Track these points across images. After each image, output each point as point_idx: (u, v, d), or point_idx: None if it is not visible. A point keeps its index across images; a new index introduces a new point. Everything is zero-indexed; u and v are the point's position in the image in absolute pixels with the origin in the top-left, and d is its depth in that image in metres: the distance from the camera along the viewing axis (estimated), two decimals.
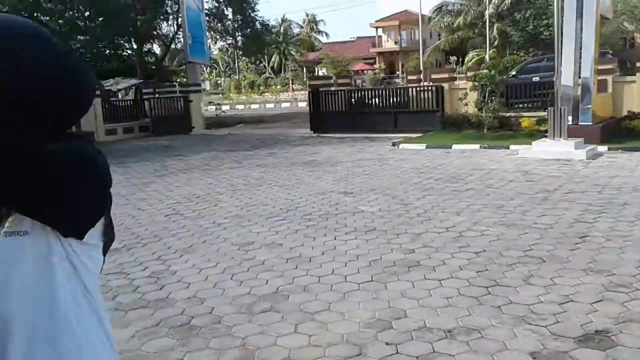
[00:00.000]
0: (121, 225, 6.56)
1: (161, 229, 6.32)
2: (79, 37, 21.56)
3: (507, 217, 6.01)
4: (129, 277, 4.77)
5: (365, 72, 40.38)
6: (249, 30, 24.63)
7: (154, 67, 24.48)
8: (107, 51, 23.59)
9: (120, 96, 24.81)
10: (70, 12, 20.24)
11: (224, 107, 34.43)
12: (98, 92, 19.61)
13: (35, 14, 19.67)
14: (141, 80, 22.07)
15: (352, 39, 55.26)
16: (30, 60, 1.07)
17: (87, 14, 20.16)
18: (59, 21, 20.46)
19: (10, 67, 1.05)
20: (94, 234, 1.19)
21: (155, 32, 22.97)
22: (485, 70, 13.65)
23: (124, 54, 23.59)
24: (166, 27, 24.74)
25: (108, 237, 1.30)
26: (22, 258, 1.11)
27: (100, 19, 19.73)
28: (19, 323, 1.11)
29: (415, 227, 5.76)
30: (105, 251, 1.33)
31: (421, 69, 28.03)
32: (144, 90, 21.50)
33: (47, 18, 20.34)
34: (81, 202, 1.12)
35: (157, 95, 20.32)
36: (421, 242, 5.24)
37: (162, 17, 22.45)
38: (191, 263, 5.03)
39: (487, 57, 31.63)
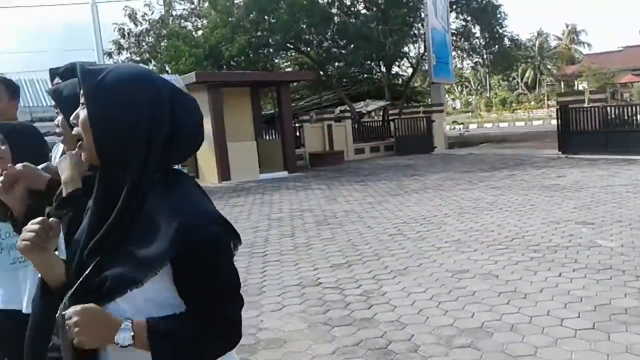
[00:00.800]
0: (348, 242, 6.93)
1: (383, 248, 6.50)
2: (335, 63, 23.38)
3: None
4: (343, 293, 5.01)
5: (632, 84, 35.78)
6: (497, 47, 23.85)
7: (400, 88, 25.29)
8: (360, 75, 25.15)
9: (369, 117, 26.26)
10: (327, 42, 22.08)
11: (471, 126, 33.90)
12: (343, 114, 21.06)
13: (298, 44, 22.00)
14: (388, 102, 23.03)
15: (619, 49, 49.50)
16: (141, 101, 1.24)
17: (340, 42, 21.74)
18: (318, 50, 22.50)
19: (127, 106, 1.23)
20: None
21: (402, 54, 23.73)
22: None
23: (374, 76, 24.85)
24: (414, 49, 25.39)
25: None
26: None
27: (352, 45, 21.11)
28: None
29: None
30: None
31: None
32: (390, 112, 22.38)
33: (308, 48, 22.57)
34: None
35: (402, 116, 20.96)
36: None
37: (409, 39, 23.12)
38: (402, 286, 5.06)
39: None
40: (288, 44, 22.10)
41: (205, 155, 15.44)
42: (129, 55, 24.70)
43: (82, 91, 1.25)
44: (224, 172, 14.63)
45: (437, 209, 8.73)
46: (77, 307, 1.16)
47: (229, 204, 10.88)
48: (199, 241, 1.19)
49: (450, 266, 5.56)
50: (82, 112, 1.26)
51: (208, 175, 15.29)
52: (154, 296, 1.22)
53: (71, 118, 1.34)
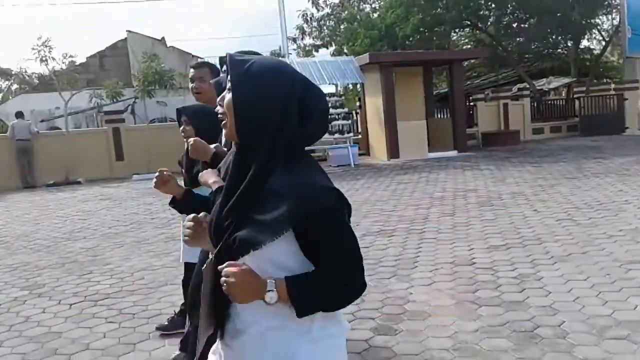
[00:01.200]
0: (510, 224, 6.73)
1: (547, 233, 6.20)
2: (516, 39, 22.11)
3: None
4: (496, 274, 4.93)
5: None
6: None
7: (590, 63, 23.15)
8: (545, 50, 23.47)
9: (553, 95, 24.47)
10: (507, 17, 20.94)
11: None
12: (521, 92, 19.88)
13: (475, 21, 21.19)
14: (574, 79, 21.25)
15: None
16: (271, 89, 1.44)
17: (521, 16, 20.49)
18: (497, 26, 21.46)
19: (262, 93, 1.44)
20: None
21: (592, 26, 21.61)
22: None
23: (558, 51, 23.04)
24: (607, 21, 22.98)
25: None
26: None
27: (533, 19, 19.79)
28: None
29: None
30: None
31: None
32: (575, 89, 20.65)
33: (488, 23, 21.62)
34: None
35: (589, 94, 19.24)
36: None
37: (601, 9, 20.97)
38: (561, 272, 4.83)
39: None
40: (464, 21, 21.41)
41: (376, 134, 15.78)
42: (311, 40, 25.76)
43: (229, 77, 1.49)
44: (393, 150, 14.83)
45: (617, 194, 8.01)
46: (234, 268, 1.39)
47: (394, 181, 11.08)
48: (317, 208, 1.37)
49: (620, 255, 5.15)
50: (227, 95, 1.49)
51: (378, 152, 15.62)
52: (273, 258, 1.42)
53: (218, 99, 1.60)
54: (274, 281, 1.39)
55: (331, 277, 1.42)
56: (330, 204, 1.41)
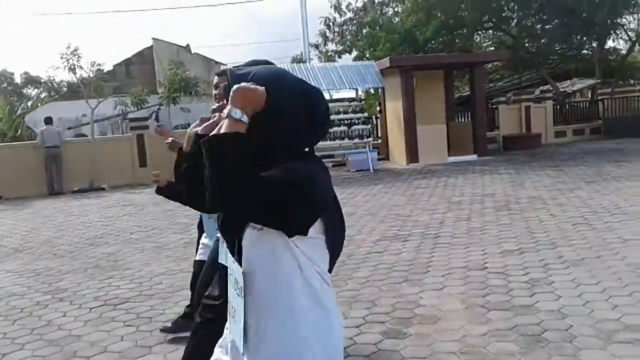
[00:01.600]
0: (526, 229, 6.73)
1: (561, 238, 6.19)
2: (541, 40, 21.82)
3: None
4: (507, 279, 4.95)
5: None
6: None
7: (616, 64, 22.77)
8: (569, 51, 23.15)
9: (576, 97, 24.14)
10: (530, 19, 20.72)
11: None
12: (544, 94, 19.60)
13: (498, 23, 21.01)
14: (599, 80, 20.96)
15: None
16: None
17: (544, 17, 20.26)
18: (519, 27, 21.26)
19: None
20: (312, 232, 1.59)
21: (616, 26, 21.25)
22: None
23: (583, 52, 22.70)
24: (633, 21, 22.58)
25: (331, 236, 1.67)
26: (260, 242, 1.61)
27: (556, 20, 19.57)
28: (258, 278, 1.61)
29: None
30: (334, 246, 1.71)
31: None
32: (600, 91, 20.37)
33: (512, 25, 21.39)
34: (295, 215, 1.53)
35: (614, 95, 18.96)
36: None
37: (627, 8, 20.62)
38: (572, 276, 4.83)
39: None
40: (486, 23, 21.28)
41: (396, 138, 15.80)
42: (333, 46, 25.87)
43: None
44: (412, 154, 14.84)
45: (637, 198, 7.93)
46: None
47: (412, 185, 11.10)
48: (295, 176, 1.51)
49: (634, 260, 5.12)
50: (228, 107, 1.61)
51: (397, 157, 15.64)
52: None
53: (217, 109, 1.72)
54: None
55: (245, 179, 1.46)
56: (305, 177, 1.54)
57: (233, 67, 1.99)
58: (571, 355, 3.40)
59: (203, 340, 2.52)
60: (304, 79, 1.70)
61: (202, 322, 2.77)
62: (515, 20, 21.14)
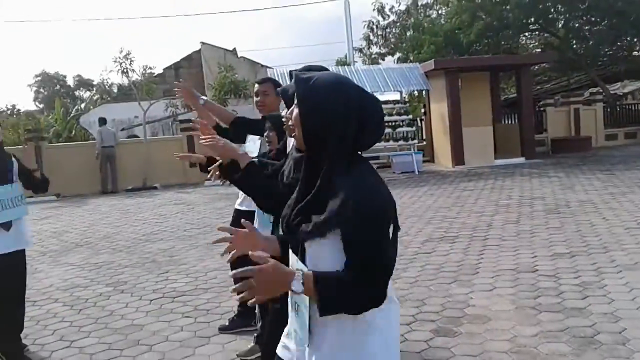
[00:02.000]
0: (576, 232, 6.67)
1: (614, 242, 6.12)
2: (587, 42, 21.33)
3: None
4: (558, 282, 4.95)
5: None
6: None
7: None
8: (619, 53, 22.54)
9: (630, 99, 23.46)
10: (579, 20, 20.28)
11: None
12: (593, 97, 19.11)
13: (544, 24, 20.62)
14: None
15: None
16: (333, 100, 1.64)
17: (592, 19, 19.78)
18: (566, 29, 20.82)
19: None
20: None
21: None
22: None
23: (633, 54, 22.05)
24: None
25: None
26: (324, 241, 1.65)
27: (605, 21, 19.10)
28: None
29: None
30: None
31: None
32: None
33: (558, 26, 20.98)
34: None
35: None
36: None
37: None
38: (625, 280, 4.80)
39: None
40: (531, 25, 20.91)
41: (441, 140, 15.74)
42: (377, 49, 25.85)
43: (295, 93, 1.72)
44: (458, 156, 14.76)
45: None
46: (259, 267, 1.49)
47: (458, 188, 11.07)
48: (362, 212, 1.53)
49: None
50: (295, 110, 1.72)
51: (442, 159, 15.58)
52: (323, 253, 1.61)
53: (287, 113, 1.84)
54: (302, 272, 1.53)
55: (355, 279, 1.53)
56: (375, 210, 1.55)
57: (297, 70, 2.09)
58: (625, 358, 3.41)
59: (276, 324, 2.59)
60: None
61: (270, 322, 2.83)
62: (562, 22, 20.72)
